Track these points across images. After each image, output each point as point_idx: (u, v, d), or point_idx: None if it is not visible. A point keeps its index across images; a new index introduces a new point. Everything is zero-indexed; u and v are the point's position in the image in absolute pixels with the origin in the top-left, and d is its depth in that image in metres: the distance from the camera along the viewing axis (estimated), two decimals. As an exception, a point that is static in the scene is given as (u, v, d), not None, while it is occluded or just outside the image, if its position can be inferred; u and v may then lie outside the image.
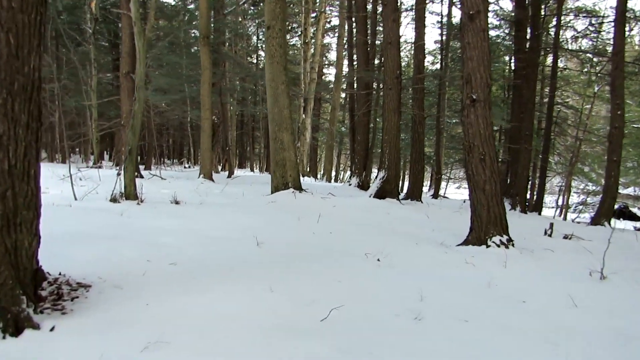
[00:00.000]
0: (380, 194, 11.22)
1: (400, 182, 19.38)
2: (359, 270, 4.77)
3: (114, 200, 8.23)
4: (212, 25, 19.78)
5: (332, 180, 28.18)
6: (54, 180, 11.12)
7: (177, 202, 8.55)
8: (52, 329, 3.10)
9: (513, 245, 5.97)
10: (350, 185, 16.56)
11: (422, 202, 12.57)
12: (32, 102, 3.24)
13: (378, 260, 5.19)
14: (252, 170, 34.90)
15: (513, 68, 18.55)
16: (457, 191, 34.12)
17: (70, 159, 32.41)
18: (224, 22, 21.90)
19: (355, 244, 5.93)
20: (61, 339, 2.99)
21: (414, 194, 12.92)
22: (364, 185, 16.40)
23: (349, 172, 41.53)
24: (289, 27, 35.88)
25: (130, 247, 4.95)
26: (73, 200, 8.15)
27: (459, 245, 6.30)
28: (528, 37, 14.92)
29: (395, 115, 11.40)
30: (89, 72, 17.50)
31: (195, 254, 4.93)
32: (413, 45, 13.16)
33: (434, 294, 4.18)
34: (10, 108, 3.08)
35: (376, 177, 11.83)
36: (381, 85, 17.76)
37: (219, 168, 26.88)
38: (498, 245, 5.88)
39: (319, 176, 31.84)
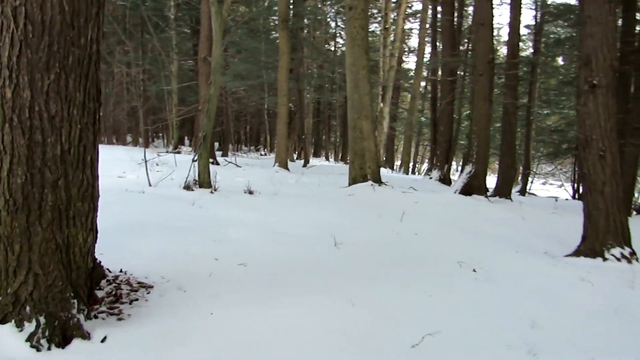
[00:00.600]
0: (466, 190, 10.32)
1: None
2: (452, 282, 4.08)
3: (187, 187, 7.98)
4: (291, 9, 19.42)
5: (410, 172, 27.19)
6: (132, 165, 11.18)
7: (250, 192, 8.19)
8: (103, 340, 2.70)
9: (638, 260, 5.02)
10: (431, 178, 15.67)
11: (511, 200, 11.52)
12: (89, 79, 2.83)
13: (474, 271, 4.47)
14: (327, 159, 34.56)
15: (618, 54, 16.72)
16: (542, 187, 31.98)
17: (154, 143, 33.60)
18: (303, 7, 21.45)
19: (445, 249, 5.22)
20: (111, 353, 2.58)
21: (503, 191, 11.87)
22: (445, 179, 15.45)
23: (426, 164, 40.20)
24: (369, 13, 34.95)
25: (198, 242, 4.56)
26: (147, 187, 7.99)
27: (567, 256, 5.40)
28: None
29: (486, 104, 10.42)
30: (171, 57, 17.68)
31: (267, 253, 4.45)
32: (509, 25, 12.01)
33: (548, 319, 3.44)
34: (64, 85, 2.67)
35: (461, 171, 10.94)
36: (467, 72, 16.64)
37: (295, 156, 26.71)
38: (618, 259, 4.95)
39: (395, 167, 30.94)
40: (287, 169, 13.60)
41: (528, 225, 7.68)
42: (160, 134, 34.41)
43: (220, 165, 12.74)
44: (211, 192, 7.89)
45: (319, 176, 13.07)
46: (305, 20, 28.41)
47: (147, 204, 6.13)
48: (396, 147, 40.72)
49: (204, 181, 8.18)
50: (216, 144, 27.45)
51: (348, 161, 10.36)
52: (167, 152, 15.20)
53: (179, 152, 16.56)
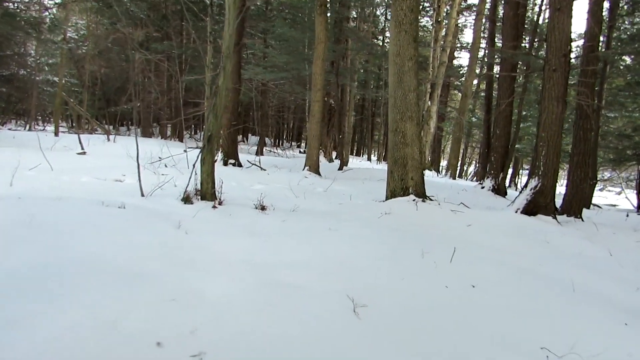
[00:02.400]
0: (530, 209, 8.47)
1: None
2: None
3: (185, 199, 6.54)
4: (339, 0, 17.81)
5: (457, 176, 25.15)
6: (143, 163, 9.89)
7: (262, 208, 6.67)
8: None
9: None
10: (482, 187, 13.76)
11: (582, 220, 9.57)
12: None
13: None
14: (369, 159, 32.81)
15: None
16: (599, 194, 29.33)
17: (194, 137, 32.61)
18: (349, -4, 19.81)
19: (518, 319, 3.53)
20: None
21: (573, 208, 9.92)
22: (500, 190, 13.53)
23: (473, 166, 37.79)
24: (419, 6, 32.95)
25: (145, 305, 3.04)
26: (138, 196, 6.60)
27: None
28: None
29: (559, 106, 8.52)
30: (205, 46, 16.43)
31: (243, 330, 2.89)
32: (588, 12, 9.99)
33: None
34: None
35: (525, 185, 9.07)
36: (531, 69, 14.57)
37: (334, 156, 25.14)
38: None
39: (441, 170, 28.92)
40: (319, 174, 12.04)
41: (619, 262, 5.81)
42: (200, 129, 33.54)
43: (243, 168, 11.32)
44: (213, 207, 6.42)
45: (353, 183, 11.45)
46: (353, 13, 26.74)
47: (116, 226, 4.68)
48: (443, 147, 38.53)
49: (207, 192, 6.71)
50: (244, 144, 26.21)
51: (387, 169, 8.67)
52: (196, 147, 13.94)
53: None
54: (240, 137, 39.03)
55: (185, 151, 11.09)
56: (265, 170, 11.43)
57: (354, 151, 42.00)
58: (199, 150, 12.04)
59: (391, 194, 8.40)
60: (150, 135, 30.03)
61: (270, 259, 4.36)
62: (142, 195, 6.74)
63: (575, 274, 4.93)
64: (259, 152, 23.99)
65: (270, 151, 26.87)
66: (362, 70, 25.81)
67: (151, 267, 3.74)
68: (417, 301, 3.67)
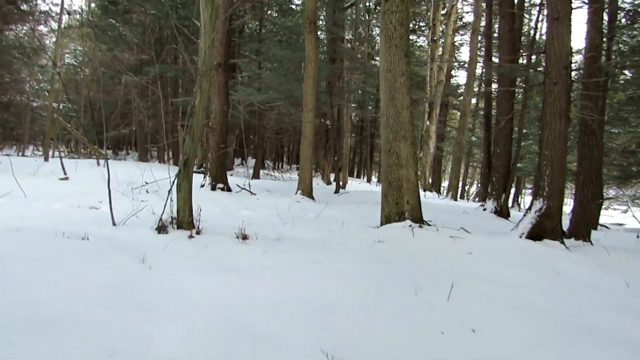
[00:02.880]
0: (535, 233, 7.88)
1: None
2: None
3: (160, 229, 5.98)
4: (332, 19, 17.49)
5: (458, 197, 24.57)
6: (128, 190, 9.36)
7: (244, 237, 6.11)
8: None
9: None
10: (484, 209, 13.17)
11: (591, 244, 8.97)
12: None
13: None
14: (369, 180, 32.27)
15: None
16: (605, 213, 28.62)
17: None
18: (342, 17, 19.51)
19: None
20: None
21: (581, 231, 9.32)
22: (502, 211, 12.94)
23: (474, 187, 37.17)
24: (414, 25, 32.83)
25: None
26: (109, 226, 6.05)
27: None
28: None
29: (562, 121, 8.00)
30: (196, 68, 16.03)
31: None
32: (587, 23, 9.53)
33: None
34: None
35: (529, 207, 8.50)
36: (527, 83, 14.11)
37: (332, 178, 24.62)
38: None
39: (442, 192, 28.35)
40: (312, 198, 11.49)
41: (636, 292, 5.21)
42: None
43: (231, 193, 10.77)
44: (190, 237, 5.86)
45: (348, 207, 10.88)
46: (349, 35, 26.50)
47: (70, 262, 4.12)
48: (443, 167, 38.03)
49: (183, 220, 6.15)
50: (242, 167, 25.69)
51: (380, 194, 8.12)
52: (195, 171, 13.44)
53: (202, 172, 14.82)
54: (239, 161, 38.65)
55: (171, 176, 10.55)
56: (255, 194, 10.88)
57: (354, 172, 41.53)
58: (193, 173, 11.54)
59: (386, 219, 7.83)
60: (146, 160, 29.62)
61: (241, 300, 3.78)
62: (114, 224, 6.19)
63: (591, 311, 4.33)
64: (255, 175, 23.49)
65: (268, 174, 26.41)
66: (359, 91, 25.44)
67: (97, 313, 3.17)
68: (408, 354, 3.08)
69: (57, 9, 27.60)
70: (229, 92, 12.37)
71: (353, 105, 28.32)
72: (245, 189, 11.15)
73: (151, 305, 3.46)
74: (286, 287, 4.17)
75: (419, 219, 7.77)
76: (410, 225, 7.44)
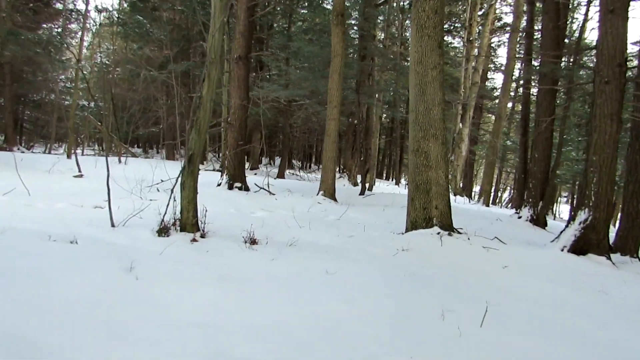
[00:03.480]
0: (579, 247, 7.09)
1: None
2: None
3: (161, 231, 5.46)
4: (363, 15, 16.82)
5: (490, 203, 23.57)
6: (138, 188, 8.91)
7: (252, 242, 5.54)
8: None
9: None
10: (519, 217, 12.31)
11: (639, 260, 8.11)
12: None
13: None
14: (397, 183, 31.43)
15: None
16: None
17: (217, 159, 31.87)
18: (374, 13, 18.81)
19: None
20: None
21: (628, 246, 8.42)
22: (539, 220, 12.06)
23: (507, 192, 35.82)
24: (450, 26, 31.89)
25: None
26: (108, 227, 5.57)
27: None
28: None
29: (613, 124, 7.20)
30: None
31: None
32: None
33: None
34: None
35: (571, 218, 7.70)
36: (568, 83, 13.17)
37: (358, 180, 23.95)
38: None
39: (474, 196, 27.34)
40: (334, 199, 10.87)
41: None
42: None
43: (249, 193, 10.23)
44: (193, 240, 5.33)
45: (372, 210, 10.22)
46: (381, 35, 25.76)
47: (46, 271, 3.61)
48: (475, 172, 36.88)
49: (187, 222, 5.62)
50: (271, 166, 25.24)
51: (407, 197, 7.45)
52: (214, 169, 12.98)
53: (219, 171, 14.37)
54: (267, 160, 38.28)
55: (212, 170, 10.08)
56: (274, 195, 10.31)
57: (383, 174, 40.66)
58: (210, 171, 11.03)
59: (412, 225, 7.16)
60: (173, 158, 29.49)
61: (236, 319, 3.20)
62: (113, 225, 5.70)
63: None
64: (281, 175, 23.00)
65: (293, 174, 25.89)
66: (390, 92, 24.68)
67: (54, 337, 2.63)
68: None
69: (85, 7, 27.70)
70: (250, 87, 11.86)
71: (385, 106, 27.55)
72: (264, 188, 10.59)
73: (130, 328, 2.91)
74: (292, 303, 3.57)
75: (448, 226, 7.07)
76: (438, 233, 6.77)
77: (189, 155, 5.64)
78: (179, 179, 5.74)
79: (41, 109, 33.14)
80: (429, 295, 4.13)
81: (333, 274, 4.46)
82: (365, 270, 4.79)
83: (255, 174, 22.61)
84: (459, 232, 7.21)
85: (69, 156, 17.25)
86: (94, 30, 29.09)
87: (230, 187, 10.19)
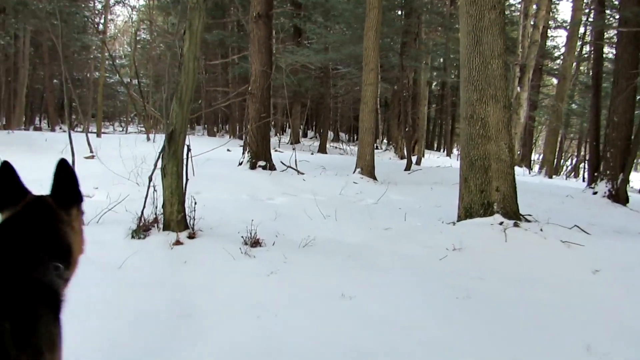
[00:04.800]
0: (690, 237, 5.39)
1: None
2: None
3: (139, 231, 4.24)
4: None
5: (554, 175, 21.40)
6: (138, 171, 7.76)
7: (254, 243, 4.24)
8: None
9: None
10: (595, 193, 10.45)
11: None
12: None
13: None
14: (449, 154, 29.46)
15: None
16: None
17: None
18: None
19: None
20: None
21: None
22: (618, 195, 10.17)
23: (570, 161, 32.88)
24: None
25: None
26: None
27: None
28: None
29: None
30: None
31: None
32: None
33: None
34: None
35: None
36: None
37: (404, 151, 22.27)
38: None
39: (533, 166, 25.10)
40: (373, 177, 9.41)
41: None
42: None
43: (274, 172, 8.92)
44: (175, 244, 4.07)
45: (418, 190, 8.73)
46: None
47: None
48: (534, 139, 34.18)
49: (171, 218, 4.37)
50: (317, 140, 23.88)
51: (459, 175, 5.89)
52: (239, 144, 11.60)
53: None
54: (313, 133, 36.95)
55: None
56: (302, 174, 8.95)
57: (433, 145, 38.53)
58: (240, 148, 9.77)
59: (465, 212, 5.65)
60: (214, 135, 28.66)
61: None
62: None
63: None
64: (322, 149, 21.65)
65: (337, 148, 24.48)
66: (439, 54, 22.60)
67: None
68: None
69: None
70: (280, 52, 10.48)
71: (434, 71, 25.44)
72: (291, 167, 9.24)
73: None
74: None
75: (513, 213, 5.52)
76: (500, 223, 5.23)
77: (169, 132, 4.34)
78: (159, 162, 4.47)
79: (84, 86, 33.09)
80: (493, 337, 2.69)
81: (349, 300, 3.09)
82: (399, 288, 3.39)
83: (294, 149, 21.35)
84: (526, 220, 5.65)
85: (99, 135, 16.54)
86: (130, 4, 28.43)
87: (253, 167, 8.92)
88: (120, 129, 34.64)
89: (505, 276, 3.89)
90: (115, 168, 7.95)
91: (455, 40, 25.66)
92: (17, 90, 20.52)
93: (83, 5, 20.47)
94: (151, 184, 4.51)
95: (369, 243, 4.65)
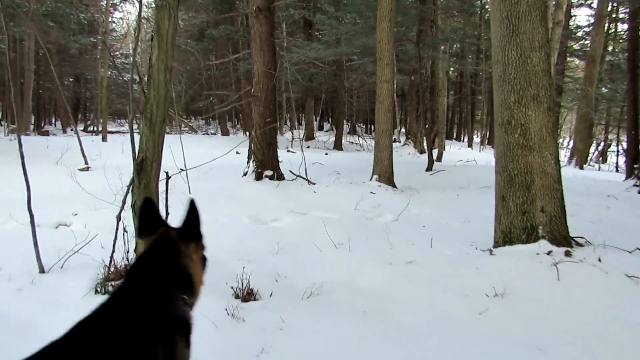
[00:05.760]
0: None
1: None
2: None
3: (104, 284, 3.45)
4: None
5: (584, 165, 20.21)
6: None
7: (246, 296, 3.41)
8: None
9: None
10: (640, 192, 9.41)
11: None
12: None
13: None
14: (470, 144, 28.30)
15: None
16: None
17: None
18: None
19: None
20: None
21: None
22: (668, 193, 9.12)
23: (595, 146, 31.24)
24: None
25: None
26: (35, 273, 3.66)
27: None
28: None
29: None
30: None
31: None
32: None
33: None
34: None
35: None
36: None
37: (424, 145, 21.22)
38: None
39: (562, 157, 23.80)
40: (392, 184, 8.48)
41: None
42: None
43: (282, 182, 8.05)
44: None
45: (442, 198, 7.82)
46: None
47: None
48: (560, 127, 32.70)
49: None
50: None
51: (498, 195, 4.93)
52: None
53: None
54: (330, 126, 35.98)
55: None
56: (314, 184, 8.05)
57: (453, 134, 37.30)
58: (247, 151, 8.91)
59: (504, 236, 4.73)
60: (228, 133, 27.88)
61: None
62: (42, 271, 3.76)
63: None
64: (338, 146, 20.75)
65: (353, 143, 23.51)
66: (456, 40, 21.43)
67: None
68: None
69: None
70: (289, 48, 9.58)
71: (452, 58, 24.24)
72: (301, 176, 8.34)
73: None
74: None
75: (562, 238, 4.59)
76: (549, 252, 4.32)
77: (138, 161, 3.52)
78: (129, 196, 3.65)
79: (86, 86, 32.70)
80: None
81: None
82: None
83: (308, 147, 20.50)
84: (578, 244, 4.72)
85: (104, 139, 15.85)
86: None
87: (259, 177, 8.07)
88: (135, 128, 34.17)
89: (568, 340, 2.99)
90: (110, 182, 7.15)
91: (473, 25, 24.42)
92: (23, 94, 19.99)
93: (83, 7, 19.80)
94: (120, 224, 3.69)
95: (390, 288, 3.77)
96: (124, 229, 3.67)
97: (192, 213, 1.62)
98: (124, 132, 28.66)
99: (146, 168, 3.50)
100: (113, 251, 3.63)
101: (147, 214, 1.61)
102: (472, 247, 4.96)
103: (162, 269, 1.44)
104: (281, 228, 5.58)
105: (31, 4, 12.86)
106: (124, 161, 9.59)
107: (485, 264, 4.29)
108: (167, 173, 3.92)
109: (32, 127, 24.05)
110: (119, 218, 3.66)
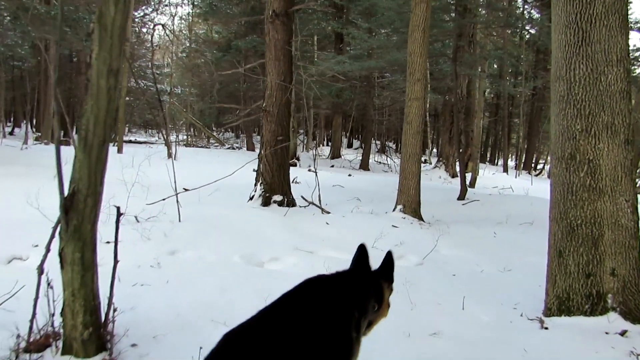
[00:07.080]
0: None
1: None
2: None
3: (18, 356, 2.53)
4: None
5: None
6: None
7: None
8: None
9: None
10: None
11: None
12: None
13: None
14: (505, 169, 26.84)
15: None
16: None
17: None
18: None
19: None
20: None
21: None
22: None
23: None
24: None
25: None
26: None
27: None
28: None
29: None
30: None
31: None
32: None
33: None
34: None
35: None
36: None
37: (457, 167, 19.97)
38: None
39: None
40: (418, 216, 7.41)
41: None
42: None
43: (292, 209, 7.07)
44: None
45: (477, 236, 6.73)
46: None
47: None
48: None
49: (73, 336, 2.63)
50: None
51: (552, 251, 3.83)
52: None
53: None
54: (358, 143, 35.01)
55: (209, 182, 7.08)
56: (328, 213, 7.04)
57: (487, 157, 35.81)
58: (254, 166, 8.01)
59: (559, 303, 3.65)
60: (253, 148, 27.15)
61: None
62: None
63: None
64: (364, 166, 19.74)
65: (380, 163, 22.47)
66: (493, 59, 20.23)
67: None
68: None
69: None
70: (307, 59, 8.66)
71: (489, 78, 23.00)
72: (314, 204, 7.35)
73: None
74: None
75: (638, 311, 3.48)
76: (622, 333, 3.24)
77: (70, 193, 2.61)
78: (59, 243, 2.73)
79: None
80: None
81: None
82: None
83: (332, 165, 19.54)
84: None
85: (119, 150, 15.21)
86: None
87: (266, 203, 7.12)
88: (155, 139, 33.80)
89: None
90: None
91: (512, 45, 23.13)
92: (45, 101, 19.68)
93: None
94: (43, 277, 2.77)
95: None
96: (48, 283, 2.75)
97: (389, 262, 2.20)
98: (150, 143, 28.36)
99: (77, 205, 2.58)
100: (33, 315, 2.70)
101: (362, 260, 2.13)
102: (516, 312, 3.88)
103: (371, 287, 2.04)
104: (278, 272, 4.61)
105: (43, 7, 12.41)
106: (126, 177, 8.68)
107: (536, 343, 3.22)
108: (118, 208, 2.99)
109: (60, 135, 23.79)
110: (40, 270, 2.74)
